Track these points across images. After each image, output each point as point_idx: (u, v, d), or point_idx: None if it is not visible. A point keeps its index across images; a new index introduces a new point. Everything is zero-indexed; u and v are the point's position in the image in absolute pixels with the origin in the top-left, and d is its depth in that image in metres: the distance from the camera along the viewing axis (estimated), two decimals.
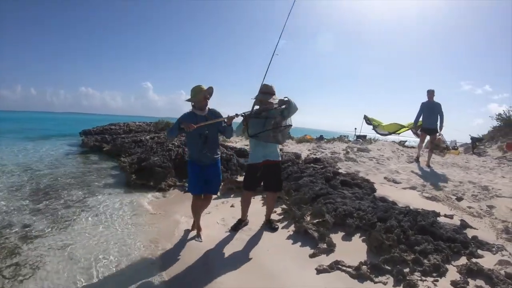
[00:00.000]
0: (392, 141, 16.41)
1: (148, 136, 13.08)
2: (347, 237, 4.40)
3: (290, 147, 13.22)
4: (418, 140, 12.36)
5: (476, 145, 15.26)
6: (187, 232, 4.97)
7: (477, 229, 4.77)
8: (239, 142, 14.26)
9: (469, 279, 3.38)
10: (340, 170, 7.62)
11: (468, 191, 6.67)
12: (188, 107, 4.51)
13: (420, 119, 9.79)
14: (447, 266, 3.65)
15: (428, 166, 9.27)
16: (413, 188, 6.91)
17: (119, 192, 7.43)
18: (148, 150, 9.73)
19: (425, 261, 3.63)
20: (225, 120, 4.35)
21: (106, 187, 7.88)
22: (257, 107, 4.42)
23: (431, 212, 5.05)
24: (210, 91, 4.39)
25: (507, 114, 17.73)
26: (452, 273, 3.55)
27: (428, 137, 10.35)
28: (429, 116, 9.40)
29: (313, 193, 5.62)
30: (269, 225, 4.84)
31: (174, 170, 8.21)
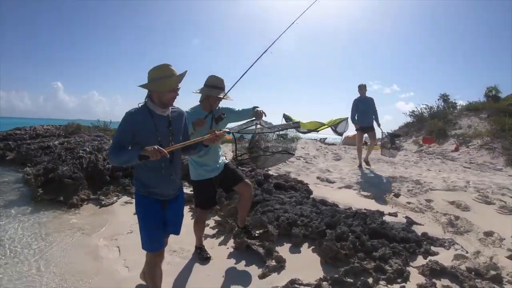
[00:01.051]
0: (314, 139, 17.01)
1: (57, 141, 11.73)
2: (295, 249, 4.18)
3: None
4: (338, 137, 12.72)
5: (393, 141, 16.45)
6: (107, 260, 4.19)
7: (423, 225, 4.98)
8: None
9: (434, 280, 3.42)
10: (270, 172, 7.30)
11: (403, 187, 7.01)
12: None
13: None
14: (408, 269, 3.66)
15: (367, 162, 9.40)
16: (348, 187, 7.03)
17: (23, 211, 6.30)
18: (56, 158, 8.62)
19: (387, 267, 3.59)
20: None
21: (8, 206, 6.65)
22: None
23: (376, 212, 5.08)
24: (181, 78, 2.73)
25: (420, 111, 20.64)
26: (415, 275, 3.57)
27: (366, 135, 9.77)
28: (364, 113, 8.99)
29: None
30: (248, 234, 4.17)
31: (87, 181, 7.32)
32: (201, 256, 4.05)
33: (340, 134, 12.31)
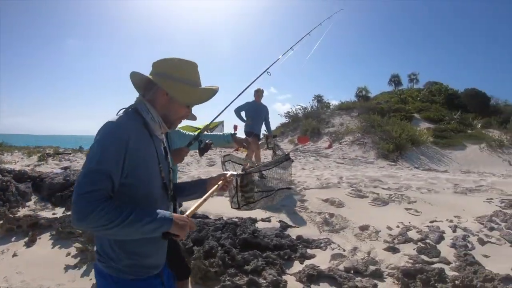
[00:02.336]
0: None
1: None
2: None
3: (80, 162, 11.70)
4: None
5: (269, 141, 16.98)
6: None
7: (298, 227, 4.91)
8: (20, 161, 11.49)
9: (313, 286, 3.35)
10: None
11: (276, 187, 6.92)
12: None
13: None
14: (284, 277, 3.53)
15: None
16: (220, 194, 6.74)
17: None
18: None
19: (261, 280, 3.42)
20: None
21: None
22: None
23: (248, 220, 4.96)
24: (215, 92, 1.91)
25: (295, 112, 21.86)
26: (293, 283, 3.44)
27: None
28: (254, 119, 8.23)
29: None
30: None
31: None
32: None
33: None
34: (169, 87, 1.62)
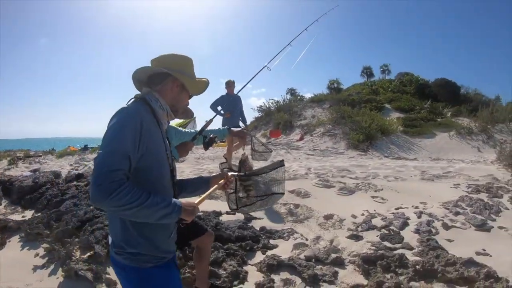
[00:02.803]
0: None
1: None
2: None
3: (50, 163, 11.74)
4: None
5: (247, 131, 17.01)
6: None
7: (262, 219, 4.89)
8: None
9: (273, 276, 3.35)
10: None
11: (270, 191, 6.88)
12: None
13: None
14: (246, 268, 3.57)
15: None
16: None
17: None
18: None
19: (221, 271, 3.45)
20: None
21: None
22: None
23: (212, 213, 5.03)
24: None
25: (267, 106, 21.77)
26: (254, 273, 3.45)
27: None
28: (232, 112, 7.88)
29: (77, 220, 4.87)
30: None
31: None
32: None
33: None
34: (184, 80, 1.86)
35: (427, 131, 14.82)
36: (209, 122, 3.40)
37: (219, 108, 7.71)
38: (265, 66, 4.22)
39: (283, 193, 3.13)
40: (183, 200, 1.67)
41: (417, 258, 3.53)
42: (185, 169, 8.90)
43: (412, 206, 5.14)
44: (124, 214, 1.53)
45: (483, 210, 4.91)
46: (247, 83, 4.22)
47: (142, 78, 1.89)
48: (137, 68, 1.83)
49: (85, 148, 17.61)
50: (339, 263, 3.52)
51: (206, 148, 3.27)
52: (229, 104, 7.84)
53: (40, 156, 13.97)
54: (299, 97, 25.85)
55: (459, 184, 6.40)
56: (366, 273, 3.32)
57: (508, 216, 4.78)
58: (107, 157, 1.50)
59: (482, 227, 4.39)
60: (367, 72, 41.05)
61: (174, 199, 1.63)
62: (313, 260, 3.58)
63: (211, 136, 3.25)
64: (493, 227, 4.41)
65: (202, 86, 1.98)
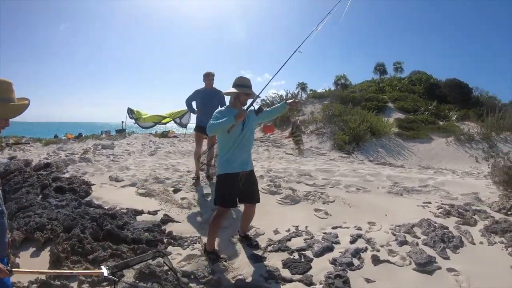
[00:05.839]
0: (150, 133, 17.80)
1: None
2: (37, 253, 4.24)
3: (32, 151, 11.83)
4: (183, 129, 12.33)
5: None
6: None
7: (180, 222, 4.85)
8: None
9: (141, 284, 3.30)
10: (66, 175, 7.53)
11: (187, 182, 6.82)
12: None
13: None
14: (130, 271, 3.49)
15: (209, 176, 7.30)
16: (133, 184, 6.80)
17: None
18: None
19: None
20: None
21: None
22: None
23: (130, 212, 5.19)
24: None
25: (270, 99, 21.42)
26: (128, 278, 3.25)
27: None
28: (206, 110, 6.59)
29: (17, 207, 5.43)
30: (248, 242, 4.33)
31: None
32: (214, 260, 3.90)
33: (185, 126, 13.10)
34: None
35: (423, 135, 14.31)
36: (256, 97, 4.07)
37: (194, 104, 7.04)
38: (297, 49, 4.47)
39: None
40: None
41: None
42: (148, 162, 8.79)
43: (355, 227, 4.57)
44: None
45: (438, 242, 4.09)
46: (281, 68, 4.41)
47: None
48: None
49: (79, 136, 18.26)
50: (214, 285, 3.38)
51: (257, 113, 4.05)
52: (205, 101, 6.87)
53: (28, 143, 14.02)
54: (310, 92, 25.46)
55: (429, 203, 5.61)
56: None
57: (469, 254, 3.97)
58: None
59: (425, 266, 3.61)
60: (380, 69, 40.69)
61: None
62: (192, 276, 3.53)
63: (260, 106, 4.36)
64: (440, 268, 3.62)
65: (19, 108, 2.16)
